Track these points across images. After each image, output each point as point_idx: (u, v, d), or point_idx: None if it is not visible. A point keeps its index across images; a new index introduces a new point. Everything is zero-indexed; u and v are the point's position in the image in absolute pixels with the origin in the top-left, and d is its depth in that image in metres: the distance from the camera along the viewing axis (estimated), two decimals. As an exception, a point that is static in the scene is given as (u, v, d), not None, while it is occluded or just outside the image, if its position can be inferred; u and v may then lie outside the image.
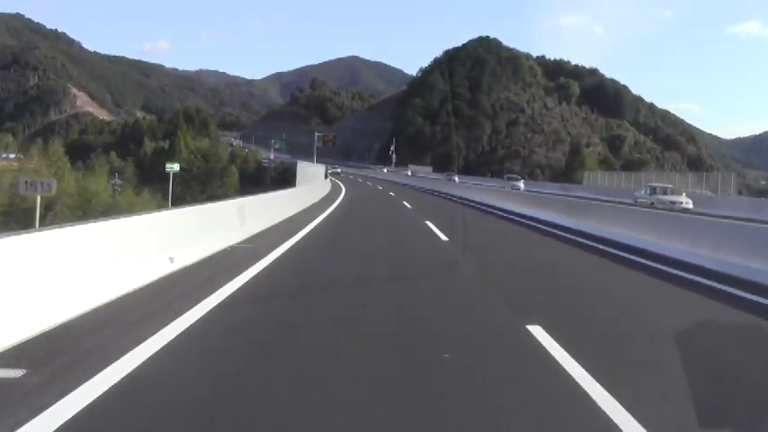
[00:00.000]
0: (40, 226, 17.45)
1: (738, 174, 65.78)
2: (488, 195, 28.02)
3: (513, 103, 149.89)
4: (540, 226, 15.57)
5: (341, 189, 37.19)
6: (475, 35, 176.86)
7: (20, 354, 3.49)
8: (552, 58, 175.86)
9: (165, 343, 3.85)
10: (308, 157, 48.80)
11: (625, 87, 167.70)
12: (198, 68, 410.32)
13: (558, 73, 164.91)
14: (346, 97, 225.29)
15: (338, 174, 69.74)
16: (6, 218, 29.89)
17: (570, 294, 6.68)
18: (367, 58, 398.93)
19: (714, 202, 25.34)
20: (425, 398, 3.15)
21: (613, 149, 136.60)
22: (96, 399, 2.88)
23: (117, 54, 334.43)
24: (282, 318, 4.99)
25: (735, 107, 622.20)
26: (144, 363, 3.45)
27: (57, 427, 2.57)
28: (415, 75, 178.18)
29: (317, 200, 22.46)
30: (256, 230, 10.27)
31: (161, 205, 39.53)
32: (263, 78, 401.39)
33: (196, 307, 4.88)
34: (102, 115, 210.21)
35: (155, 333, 4.02)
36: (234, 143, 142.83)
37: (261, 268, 7.07)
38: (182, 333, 4.13)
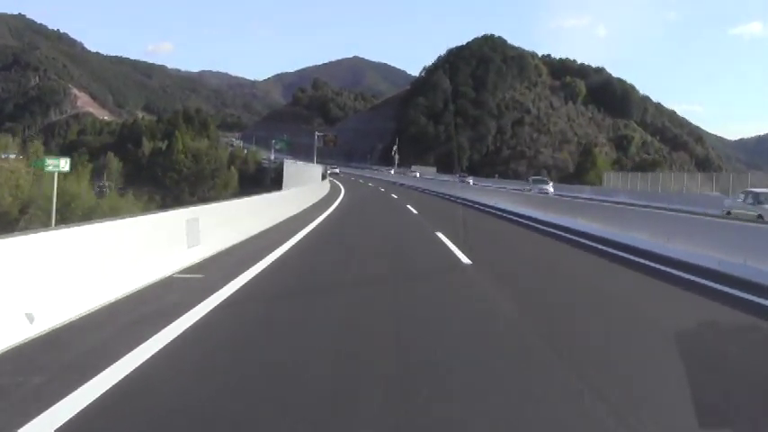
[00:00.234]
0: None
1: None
2: (512, 201, 23.03)
3: (519, 102, 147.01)
4: (615, 252, 10.26)
5: (339, 191, 34.73)
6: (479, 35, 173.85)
7: None
8: (558, 57, 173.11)
9: None
10: (308, 157, 46.70)
11: (632, 87, 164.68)
12: (200, 69, 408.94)
13: (563, 72, 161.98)
14: (349, 97, 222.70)
15: (337, 174, 67.92)
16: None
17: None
18: (370, 59, 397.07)
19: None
20: None
21: (620, 150, 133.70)
22: None
23: (121, 55, 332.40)
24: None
25: (738, 108, 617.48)
26: None
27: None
28: (418, 75, 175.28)
29: (308, 205, 19.54)
30: (213, 251, 7.78)
31: (146, 208, 37.11)
32: (266, 79, 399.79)
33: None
34: (104, 116, 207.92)
35: None
36: (234, 144, 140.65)
37: (198, 319, 4.59)
38: None
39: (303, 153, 76.20)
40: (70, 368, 3.35)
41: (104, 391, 3.03)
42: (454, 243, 10.54)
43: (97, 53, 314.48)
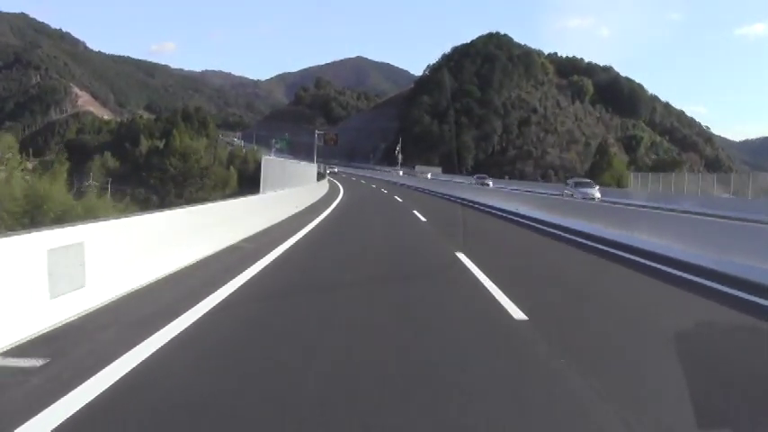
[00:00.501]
0: None
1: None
2: (550, 210, 17.87)
3: (525, 101, 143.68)
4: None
5: (338, 192, 31.96)
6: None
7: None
8: (565, 56, 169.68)
9: None
10: (309, 156, 44.51)
11: (640, 86, 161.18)
12: (203, 69, 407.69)
13: (570, 71, 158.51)
14: (351, 97, 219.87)
15: (335, 173, 66.23)
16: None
17: None
18: (373, 59, 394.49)
19: None
20: None
21: (630, 151, 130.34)
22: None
23: (124, 55, 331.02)
24: None
25: (742, 109, 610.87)
26: None
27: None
28: (422, 74, 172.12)
29: (291, 213, 15.96)
30: (104, 299, 4.98)
31: (127, 210, 34.39)
32: (269, 79, 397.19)
33: None
34: (105, 115, 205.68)
35: None
36: (235, 143, 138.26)
37: None
38: None
39: (304, 152, 73.75)
40: None
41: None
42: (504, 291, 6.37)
43: (99, 52, 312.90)
